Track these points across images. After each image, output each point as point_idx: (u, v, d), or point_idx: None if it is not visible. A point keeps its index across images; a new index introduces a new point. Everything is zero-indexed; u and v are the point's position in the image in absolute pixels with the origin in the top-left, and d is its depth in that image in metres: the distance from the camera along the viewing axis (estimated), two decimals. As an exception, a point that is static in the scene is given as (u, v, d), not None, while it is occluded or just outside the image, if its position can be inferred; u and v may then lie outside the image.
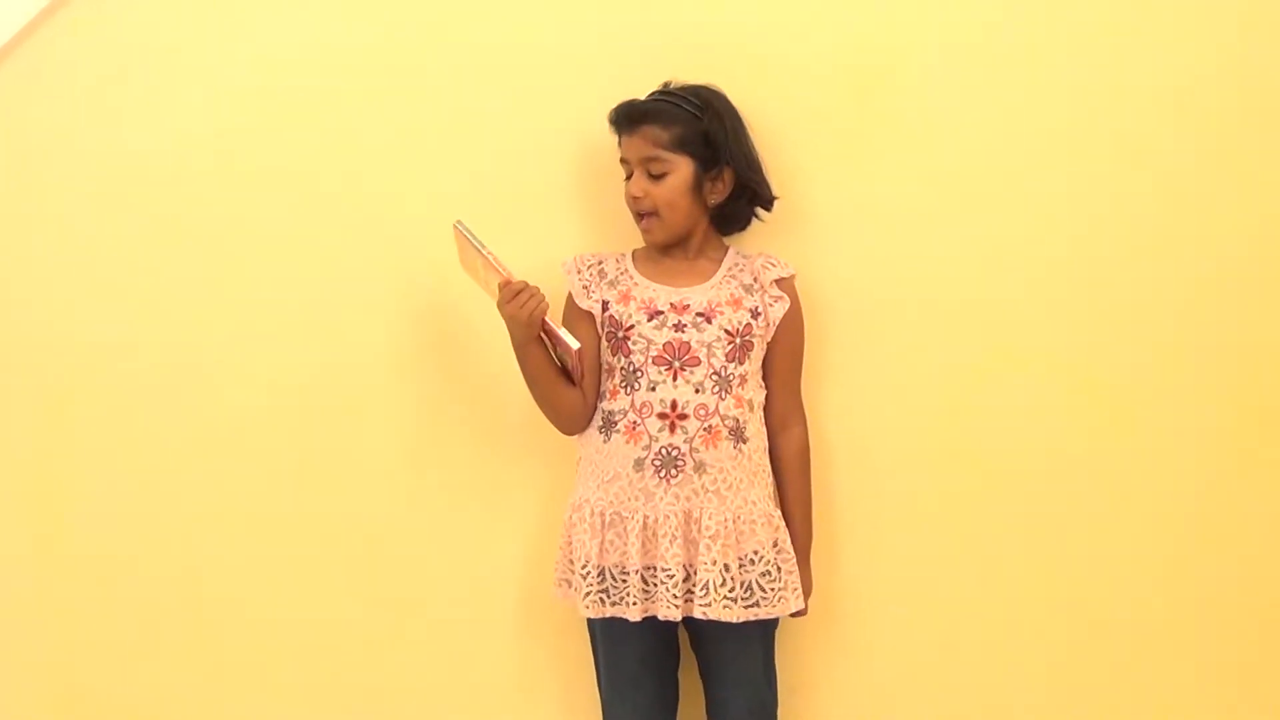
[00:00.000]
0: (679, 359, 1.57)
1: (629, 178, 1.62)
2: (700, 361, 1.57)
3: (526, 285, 1.52)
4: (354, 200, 1.80)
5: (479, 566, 1.83)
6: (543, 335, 1.57)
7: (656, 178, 1.59)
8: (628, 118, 1.61)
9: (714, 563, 1.53)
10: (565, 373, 1.60)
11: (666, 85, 1.64)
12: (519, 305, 1.52)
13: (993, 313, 1.76)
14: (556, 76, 1.76)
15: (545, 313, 1.53)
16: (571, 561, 1.62)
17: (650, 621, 1.56)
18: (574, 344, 1.51)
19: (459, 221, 1.54)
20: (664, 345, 1.58)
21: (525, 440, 1.78)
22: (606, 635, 1.64)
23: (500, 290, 1.53)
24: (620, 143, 1.63)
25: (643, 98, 1.63)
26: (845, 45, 1.75)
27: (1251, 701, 1.79)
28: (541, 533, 1.79)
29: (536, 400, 1.63)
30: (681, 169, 1.59)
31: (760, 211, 1.68)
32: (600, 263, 1.67)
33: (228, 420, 1.83)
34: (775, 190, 1.66)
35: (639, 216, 1.63)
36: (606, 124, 1.64)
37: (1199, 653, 1.79)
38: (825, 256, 1.74)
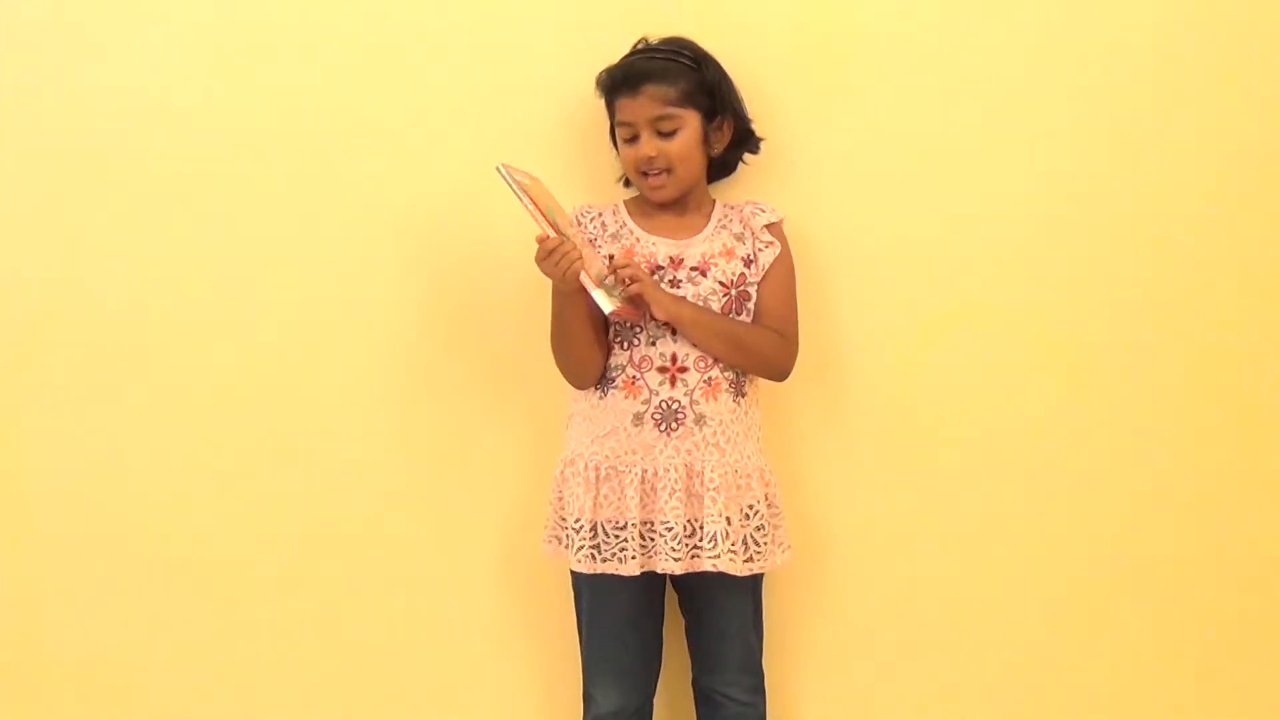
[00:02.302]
0: None
1: (630, 139, 1.59)
2: None
3: (562, 243, 1.45)
4: (329, 163, 1.76)
5: (457, 524, 1.81)
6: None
7: (667, 135, 1.56)
8: (627, 80, 1.57)
9: (720, 515, 1.53)
10: (599, 326, 1.56)
11: (645, 41, 1.62)
12: (552, 264, 1.46)
13: (973, 258, 1.79)
14: (533, 34, 1.75)
15: (579, 271, 1.46)
16: (563, 518, 1.60)
17: (641, 578, 1.55)
18: (607, 308, 1.46)
19: (500, 165, 1.45)
20: None
21: (504, 396, 1.77)
22: (594, 592, 1.62)
23: (537, 244, 1.48)
24: (616, 106, 1.60)
25: (631, 58, 1.60)
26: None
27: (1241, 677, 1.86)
28: (521, 490, 1.78)
29: (560, 350, 1.58)
30: (691, 123, 1.57)
31: (747, 155, 1.69)
32: (600, 214, 1.64)
33: (200, 384, 1.80)
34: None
35: (646, 175, 1.60)
36: (576, 78, 1.63)
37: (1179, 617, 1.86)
38: (803, 201, 1.74)
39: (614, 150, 1.69)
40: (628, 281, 1.50)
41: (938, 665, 1.85)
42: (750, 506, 1.58)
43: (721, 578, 1.56)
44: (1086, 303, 1.80)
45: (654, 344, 1.55)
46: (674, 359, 1.55)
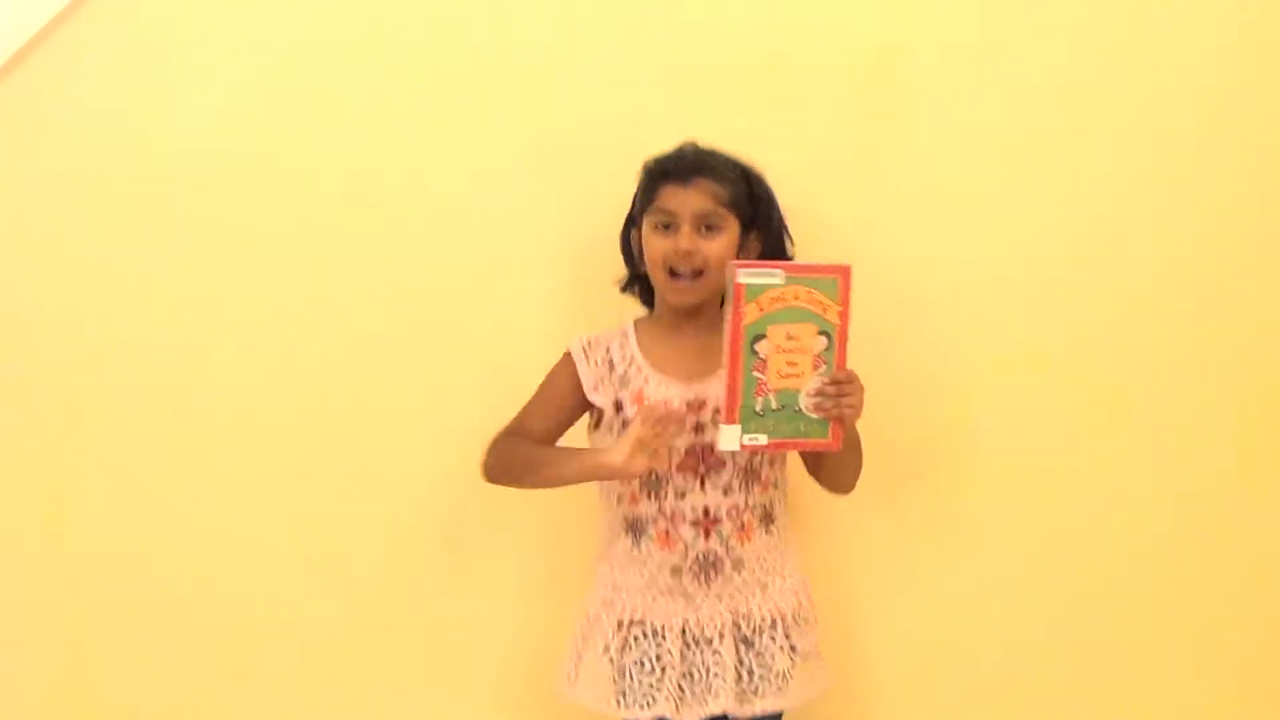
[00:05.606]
0: (704, 463, 1.51)
1: (665, 226, 1.50)
2: (725, 462, 1.51)
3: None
4: (365, 205, 1.77)
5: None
6: None
7: (709, 233, 1.48)
8: (680, 169, 1.49)
9: (771, 656, 1.53)
10: None
11: (690, 144, 1.54)
12: (651, 431, 1.39)
13: (1002, 313, 1.76)
14: (558, 81, 1.73)
15: (661, 464, 1.45)
16: (580, 655, 1.57)
17: None
18: (733, 447, 1.42)
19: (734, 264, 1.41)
20: (687, 452, 1.51)
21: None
22: None
23: (640, 408, 1.45)
24: (661, 193, 1.50)
25: (682, 150, 1.53)
26: (844, 44, 1.71)
27: (1247, 690, 1.84)
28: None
29: (520, 483, 1.54)
30: (732, 229, 1.50)
31: None
32: (607, 349, 1.56)
33: (234, 431, 1.80)
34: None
35: (674, 275, 1.50)
36: (587, 136, 1.67)
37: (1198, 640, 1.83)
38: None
39: (619, 250, 1.61)
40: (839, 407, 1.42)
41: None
42: (797, 630, 1.56)
43: None
44: (1129, 341, 1.75)
45: (683, 497, 1.52)
46: (706, 512, 1.52)
